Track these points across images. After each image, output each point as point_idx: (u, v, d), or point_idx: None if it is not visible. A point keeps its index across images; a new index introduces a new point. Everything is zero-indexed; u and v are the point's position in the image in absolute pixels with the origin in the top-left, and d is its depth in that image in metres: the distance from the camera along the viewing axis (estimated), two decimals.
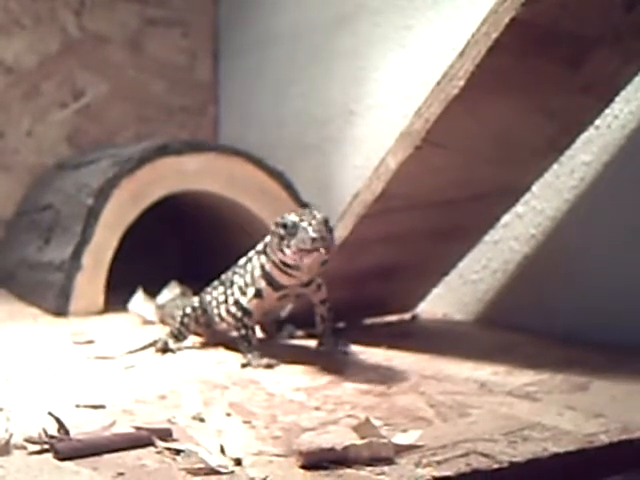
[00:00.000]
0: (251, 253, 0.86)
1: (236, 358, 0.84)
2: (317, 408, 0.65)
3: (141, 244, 1.28)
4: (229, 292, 0.88)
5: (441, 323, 1.08)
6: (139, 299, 1.08)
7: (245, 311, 0.84)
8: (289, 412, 0.64)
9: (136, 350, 0.88)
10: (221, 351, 0.89)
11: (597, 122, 0.89)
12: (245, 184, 1.24)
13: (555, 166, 0.93)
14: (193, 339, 0.93)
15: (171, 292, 1.06)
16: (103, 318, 1.12)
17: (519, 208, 1.00)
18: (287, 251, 0.76)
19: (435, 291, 1.07)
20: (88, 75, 1.57)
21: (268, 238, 0.81)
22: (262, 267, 0.82)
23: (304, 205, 1.23)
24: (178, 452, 0.54)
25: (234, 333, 0.87)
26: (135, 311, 1.07)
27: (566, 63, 0.73)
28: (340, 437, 0.56)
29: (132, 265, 1.22)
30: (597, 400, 0.67)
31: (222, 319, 0.89)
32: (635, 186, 0.89)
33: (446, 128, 0.75)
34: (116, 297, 1.14)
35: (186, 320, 0.91)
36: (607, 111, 0.86)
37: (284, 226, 0.76)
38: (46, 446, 0.54)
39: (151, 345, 0.90)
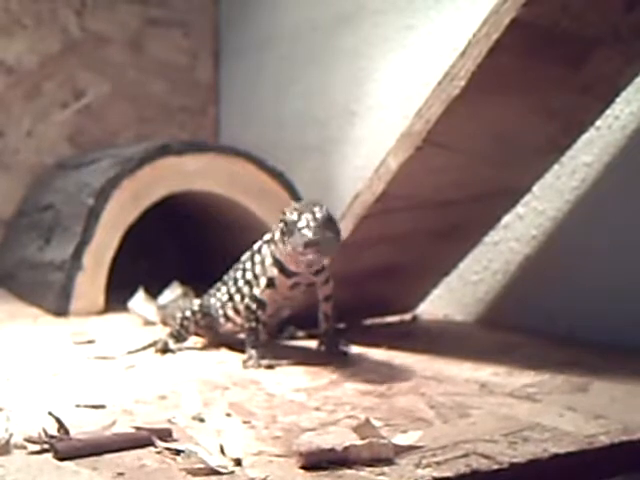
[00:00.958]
0: (257, 245, 0.86)
1: (237, 359, 0.84)
2: (317, 409, 0.65)
3: (142, 244, 1.28)
4: (233, 290, 0.88)
5: (441, 324, 1.08)
6: (140, 299, 1.08)
7: (259, 302, 0.84)
8: (289, 412, 0.64)
9: (136, 350, 0.88)
10: (221, 351, 0.89)
11: (598, 123, 0.89)
12: (246, 184, 1.25)
13: (556, 167, 0.93)
14: (194, 339, 0.93)
15: (173, 293, 1.06)
16: (103, 318, 1.12)
17: (520, 209, 1.00)
18: (288, 247, 0.76)
19: (436, 292, 1.07)
20: (89, 75, 1.57)
21: (276, 227, 0.81)
22: (273, 255, 0.82)
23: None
24: (178, 452, 0.53)
25: (240, 334, 0.87)
26: (136, 311, 1.07)
27: (567, 64, 0.73)
28: (340, 438, 0.56)
29: (133, 265, 1.22)
30: (597, 401, 0.67)
31: (228, 319, 0.89)
32: (636, 187, 0.89)
33: (447, 129, 0.75)
34: (116, 297, 1.14)
35: (186, 323, 0.91)
36: (608, 112, 0.86)
37: (285, 222, 0.76)
38: (46, 446, 0.54)
39: (151, 345, 0.90)
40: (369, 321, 1.04)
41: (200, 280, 1.05)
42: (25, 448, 0.55)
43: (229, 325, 0.89)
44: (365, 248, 0.90)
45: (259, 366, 0.80)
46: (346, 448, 0.52)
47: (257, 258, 0.85)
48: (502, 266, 1.06)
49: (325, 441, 0.55)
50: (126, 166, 1.18)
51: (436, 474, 0.50)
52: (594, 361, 0.82)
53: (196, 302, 0.92)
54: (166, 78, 1.65)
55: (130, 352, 0.88)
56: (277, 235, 0.79)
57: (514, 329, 0.99)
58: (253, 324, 0.84)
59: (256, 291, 0.84)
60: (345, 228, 0.87)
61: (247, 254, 0.88)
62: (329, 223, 0.74)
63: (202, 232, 1.47)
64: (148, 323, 1.05)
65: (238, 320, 0.87)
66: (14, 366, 0.81)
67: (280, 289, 0.83)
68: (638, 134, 0.89)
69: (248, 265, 0.87)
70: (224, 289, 0.90)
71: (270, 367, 0.80)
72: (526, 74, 0.72)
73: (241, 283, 0.87)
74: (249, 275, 0.86)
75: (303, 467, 0.51)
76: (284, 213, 0.77)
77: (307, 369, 0.80)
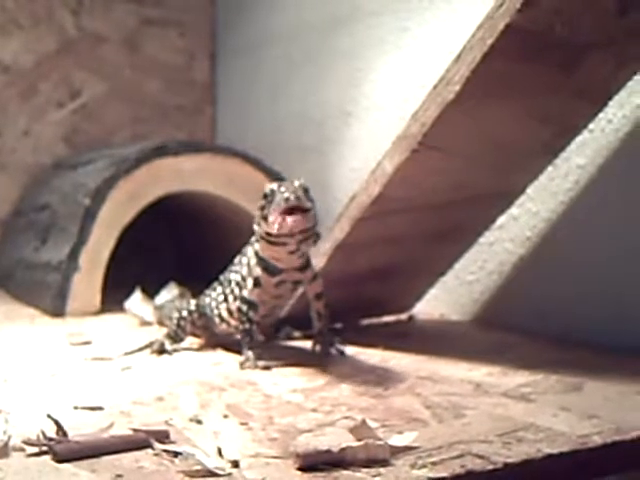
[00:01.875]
0: (244, 248, 0.87)
1: (233, 359, 0.85)
2: (314, 410, 0.66)
3: (138, 244, 1.29)
4: (227, 291, 0.88)
5: (437, 323, 1.09)
6: (136, 300, 1.08)
7: (250, 304, 0.84)
8: (286, 414, 0.65)
9: (132, 352, 0.89)
10: (218, 353, 0.90)
11: (591, 126, 0.89)
12: (242, 185, 1.25)
13: (550, 169, 0.93)
14: (190, 340, 0.93)
15: (169, 293, 1.06)
16: (100, 319, 1.12)
17: (514, 210, 1.01)
18: (270, 218, 0.76)
19: (431, 292, 1.07)
20: (85, 75, 1.57)
21: (255, 226, 0.81)
22: (256, 253, 0.83)
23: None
24: (176, 454, 0.54)
25: (235, 335, 0.87)
26: (132, 312, 1.08)
27: (560, 68, 0.73)
28: (337, 439, 0.56)
29: (129, 266, 1.22)
30: (591, 401, 0.68)
31: (222, 319, 0.89)
32: (629, 189, 0.90)
33: (442, 132, 0.76)
34: (113, 298, 1.14)
35: (182, 323, 0.91)
36: (601, 115, 0.87)
37: (264, 196, 0.77)
38: (44, 448, 0.55)
39: (148, 346, 0.90)
40: (365, 321, 1.05)
41: (197, 280, 1.05)
42: (23, 450, 0.55)
43: (224, 326, 0.90)
44: (361, 249, 0.91)
45: (256, 367, 0.81)
46: (343, 449, 0.52)
47: (244, 260, 0.86)
48: (497, 266, 1.06)
49: (322, 442, 0.55)
50: (122, 166, 1.18)
51: (431, 475, 0.51)
52: (588, 361, 0.82)
53: (192, 302, 0.93)
54: (162, 78, 1.65)
55: (127, 353, 0.88)
56: (257, 218, 0.79)
57: (509, 329, 0.99)
58: (246, 325, 0.84)
59: (245, 292, 0.84)
60: (341, 229, 0.88)
61: (238, 257, 0.88)
62: (306, 192, 0.76)
63: (199, 232, 1.47)
64: (145, 324, 1.06)
65: (232, 322, 0.88)
66: (11, 367, 0.81)
67: (266, 288, 0.83)
68: (631, 137, 0.89)
69: (238, 267, 0.87)
70: (219, 289, 0.90)
71: (267, 368, 0.80)
72: (520, 79, 0.73)
73: (233, 284, 0.87)
74: (238, 277, 0.86)
75: (300, 468, 0.51)
76: (263, 195, 0.78)
77: (304, 370, 0.80)
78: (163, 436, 0.57)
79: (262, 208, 0.78)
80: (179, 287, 1.07)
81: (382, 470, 0.52)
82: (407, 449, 0.55)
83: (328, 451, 0.52)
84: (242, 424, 0.62)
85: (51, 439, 0.55)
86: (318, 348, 0.87)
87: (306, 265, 0.83)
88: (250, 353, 0.82)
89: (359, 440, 0.54)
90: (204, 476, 0.51)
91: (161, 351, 0.89)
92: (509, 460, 0.53)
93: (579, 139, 0.89)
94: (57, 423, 0.57)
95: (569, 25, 0.68)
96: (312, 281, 0.84)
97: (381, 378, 0.76)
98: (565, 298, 0.96)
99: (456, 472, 0.51)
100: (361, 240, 0.88)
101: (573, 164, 0.95)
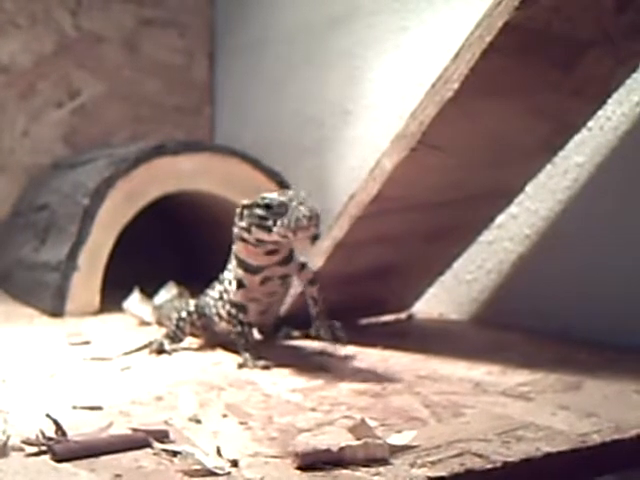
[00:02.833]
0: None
1: (232, 359, 0.85)
2: (313, 409, 0.66)
3: (137, 244, 1.29)
4: (223, 290, 0.88)
5: (436, 323, 1.09)
6: (135, 300, 1.08)
7: (237, 306, 0.84)
8: (285, 413, 0.65)
9: (131, 351, 0.89)
10: (217, 352, 0.90)
11: (590, 124, 0.89)
12: (241, 184, 1.25)
13: (549, 167, 0.93)
14: (190, 340, 0.93)
15: (168, 293, 1.06)
16: (99, 319, 1.12)
17: (513, 209, 1.01)
18: (274, 229, 0.76)
19: (430, 291, 1.07)
20: (84, 75, 1.57)
21: (235, 227, 0.81)
22: (235, 255, 0.83)
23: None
24: (175, 454, 0.54)
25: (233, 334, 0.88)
26: (131, 312, 1.08)
27: (559, 66, 0.73)
28: (336, 438, 0.56)
29: (128, 265, 1.22)
30: (590, 400, 0.68)
31: (221, 318, 0.89)
32: (627, 187, 0.90)
33: (441, 130, 0.76)
34: (112, 297, 1.14)
35: (181, 324, 0.91)
36: (600, 113, 0.87)
37: (267, 206, 0.76)
38: (43, 448, 0.55)
39: (147, 346, 0.90)
40: (364, 320, 1.05)
41: (195, 280, 1.05)
42: (22, 450, 0.55)
43: (223, 324, 0.89)
44: (360, 248, 0.91)
45: (254, 367, 0.81)
46: (342, 448, 0.52)
47: (228, 265, 0.86)
48: (496, 265, 1.07)
49: (321, 442, 0.55)
50: (121, 166, 1.18)
51: (430, 474, 0.51)
52: (587, 360, 0.82)
53: (192, 303, 0.92)
54: (161, 78, 1.65)
55: (126, 353, 0.88)
56: (249, 223, 0.78)
57: (508, 328, 0.99)
58: (239, 328, 0.84)
59: (231, 295, 0.85)
60: (340, 228, 0.88)
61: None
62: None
63: (197, 232, 1.47)
64: (143, 323, 1.06)
65: (229, 320, 0.87)
66: (10, 367, 0.81)
67: (252, 287, 0.83)
68: (629, 135, 0.90)
69: (230, 267, 0.87)
70: (218, 287, 0.90)
71: (266, 368, 0.80)
72: (519, 76, 0.73)
73: (226, 284, 0.87)
74: (226, 282, 0.87)
75: (299, 468, 0.51)
76: (253, 206, 0.78)
77: (303, 369, 0.80)
78: (162, 436, 0.57)
79: (262, 218, 0.77)
80: (178, 287, 1.07)
81: (381, 469, 0.52)
82: (406, 448, 0.55)
83: (327, 450, 0.52)
84: (241, 423, 0.62)
85: (50, 439, 0.55)
86: (314, 332, 0.85)
87: (289, 258, 0.82)
88: (247, 355, 0.82)
89: (358, 439, 0.54)
90: (203, 475, 0.51)
91: (160, 351, 0.89)
92: (508, 459, 0.53)
93: (578, 137, 0.89)
94: (56, 423, 0.57)
95: (567, 23, 0.68)
96: (301, 270, 0.84)
97: (380, 377, 0.76)
98: (564, 297, 0.96)
99: (455, 471, 0.51)
100: (360, 239, 0.88)
101: (572, 162, 0.95)
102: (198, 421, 0.62)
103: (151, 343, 0.90)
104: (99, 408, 0.65)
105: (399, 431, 0.59)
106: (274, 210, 0.76)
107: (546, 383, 0.74)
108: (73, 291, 1.14)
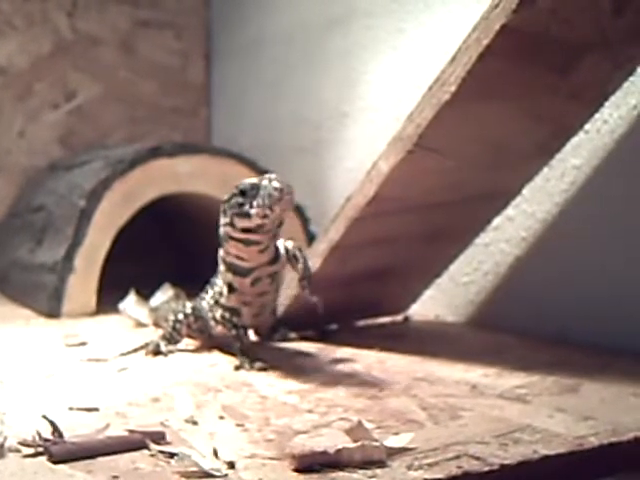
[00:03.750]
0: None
1: (229, 361, 0.85)
2: (310, 411, 0.66)
3: (133, 246, 1.28)
4: (214, 294, 0.88)
5: (433, 325, 1.09)
6: (132, 301, 1.08)
7: (231, 310, 0.84)
8: (282, 415, 0.65)
9: (128, 353, 0.89)
10: (214, 354, 0.89)
11: (587, 127, 0.90)
12: None
13: (545, 170, 0.93)
14: (186, 342, 0.93)
15: (164, 294, 1.06)
16: (95, 320, 1.12)
17: (510, 211, 1.01)
18: (252, 212, 0.76)
19: (427, 293, 1.07)
20: (80, 76, 1.57)
21: (220, 228, 0.81)
22: (223, 260, 0.83)
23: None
24: (172, 455, 0.54)
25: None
26: (128, 313, 1.07)
27: (556, 69, 0.73)
28: (333, 440, 0.56)
29: (124, 267, 1.22)
30: (587, 402, 0.68)
31: (217, 322, 0.89)
32: (624, 189, 0.90)
33: (438, 133, 0.76)
34: (108, 299, 1.14)
35: (178, 326, 0.91)
36: (597, 116, 0.87)
37: (242, 193, 0.77)
38: (40, 449, 0.54)
39: (143, 348, 0.90)
40: (361, 322, 1.05)
41: (192, 282, 1.05)
42: (19, 451, 0.55)
43: (219, 328, 0.89)
44: (357, 250, 0.91)
45: (251, 369, 0.80)
46: (339, 450, 0.52)
47: (218, 269, 0.86)
48: (492, 267, 1.07)
49: (318, 443, 0.55)
50: (117, 168, 1.18)
51: (427, 476, 0.51)
52: (584, 362, 0.82)
53: (188, 305, 0.92)
54: (157, 79, 1.65)
55: (122, 354, 0.88)
56: (231, 216, 0.78)
57: (505, 330, 0.99)
58: (233, 332, 0.84)
59: (223, 300, 0.85)
60: (337, 230, 0.88)
61: None
62: None
63: (194, 234, 1.47)
64: (140, 325, 1.06)
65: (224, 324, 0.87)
66: (7, 368, 0.81)
67: (243, 290, 0.83)
68: (626, 138, 0.90)
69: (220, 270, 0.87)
70: (211, 292, 0.90)
71: (263, 370, 0.80)
72: (516, 79, 0.73)
73: (217, 288, 0.87)
74: (217, 287, 0.87)
75: (296, 470, 0.51)
76: (230, 197, 0.78)
77: (299, 371, 0.80)
78: (159, 437, 0.57)
79: (241, 205, 0.77)
80: (174, 288, 1.07)
81: (378, 471, 0.51)
82: (403, 450, 0.55)
83: (324, 452, 0.52)
84: (238, 425, 0.62)
85: (47, 440, 0.55)
86: (301, 291, 0.84)
87: (276, 257, 0.82)
88: (243, 358, 0.82)
89: (355, 441, 0.54)
90: (200, 477, 0.51)
91: (156, 352, 0.89)
92: (505, 461, 0.53)
93: (575, 140, 0.89)
94: (53, 424, 0.57)
95: (565, 25, 0.68)
96: (288, 261, 0.83)
97: (377, 379, 0.76)
98: (561, 299, 0.97)
99: (452, 473, 0.51)
100: (357, 241, 0.88)
101: (569, 165, 0.96)
102: (195, 423, 0.62)
103: (147, 344, 0.90)
104: (96, 409, 0.65)
105: (396, 433, 0.59)
106: (248, 194, 0.77)
107: (543, 386, 0.74)
108: (69, 292, 1.14)
